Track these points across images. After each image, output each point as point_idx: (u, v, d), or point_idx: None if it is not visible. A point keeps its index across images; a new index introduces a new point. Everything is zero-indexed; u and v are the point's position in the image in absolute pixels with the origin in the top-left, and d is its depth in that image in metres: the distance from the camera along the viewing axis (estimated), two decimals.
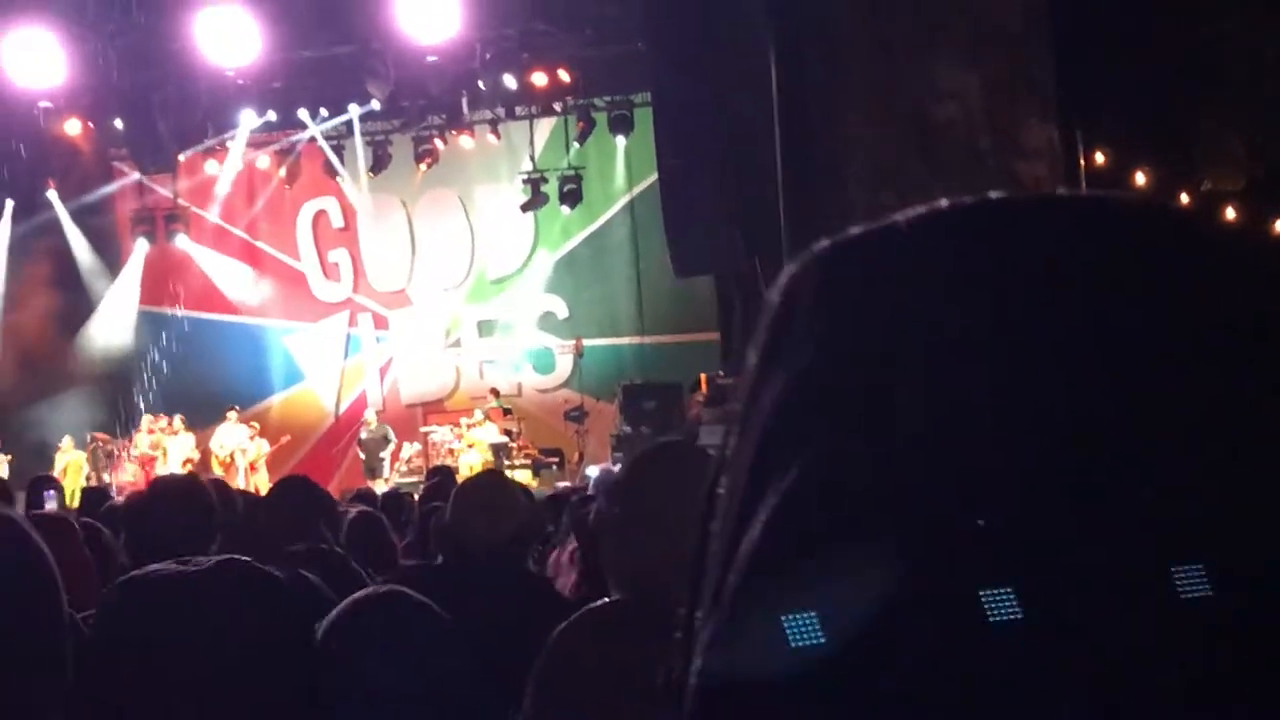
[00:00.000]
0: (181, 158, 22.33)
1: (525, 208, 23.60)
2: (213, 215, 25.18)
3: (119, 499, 10.60)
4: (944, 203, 0.89)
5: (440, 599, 3.25)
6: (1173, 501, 0.81)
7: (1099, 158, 17.73)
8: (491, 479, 6.02)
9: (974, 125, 15.41)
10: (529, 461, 20.93)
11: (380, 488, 16.98)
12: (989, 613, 0.79)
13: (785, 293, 0.91)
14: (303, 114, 22.52)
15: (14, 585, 2.78)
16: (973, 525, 0.81)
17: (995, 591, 0.79)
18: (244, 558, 2.48)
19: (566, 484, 16.76)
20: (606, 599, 3.35)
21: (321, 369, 25.58)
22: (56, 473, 19.41)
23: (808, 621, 0.82)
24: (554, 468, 21.05)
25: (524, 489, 8.78)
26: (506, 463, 20.46)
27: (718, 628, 0.87)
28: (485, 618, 4.34)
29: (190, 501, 4.49)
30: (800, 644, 0.82)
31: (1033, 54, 15.23)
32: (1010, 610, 0.79)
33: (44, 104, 19.52)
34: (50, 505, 8.57)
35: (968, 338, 0.83)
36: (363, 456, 22.41)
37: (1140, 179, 18.22)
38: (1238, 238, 0.90)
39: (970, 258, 0.86)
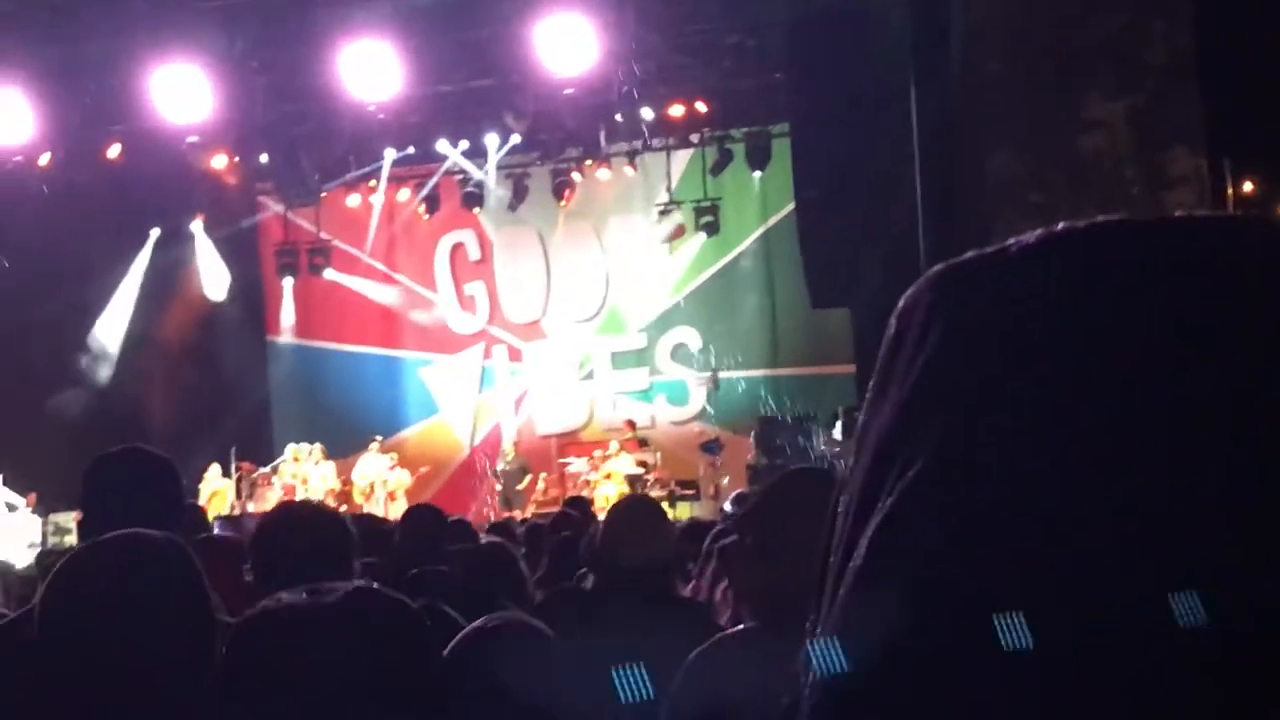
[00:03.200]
0: (324, 191, 22.66)
1: (663, 240, 23.66)
2: (353, 248, 25.58)
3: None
4: (1059, 226, 0.91)
5: (590, 621, 3.25)
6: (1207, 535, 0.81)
7: (1247, 186, 17.40)
8: (643, 503, 5.98)
9: (1119, 155, 15.20)
10: (665, 493, 20.91)
11: (517, 519, 17.05)
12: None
13: (899, 317, 0.95)
14: (442, 147, 22.80)
15: (172, 601, 2.83)
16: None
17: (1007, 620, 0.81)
18: (375, 585, 2.44)
19: (704, 516, 16.71)
20: (740, 626, 3.33)
21: (456, 401, 25.79)
22: (202, 500, 19.82)
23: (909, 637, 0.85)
24: (690, 500, 21.01)
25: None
26: (642, 494, 20.45)
27: (827, 641, 0.90)
28: (635, 641, 4.31)
29: (316, 528, 4.40)
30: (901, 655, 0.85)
31: (1178, 83, 15.01)
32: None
33: (191, 138, 19.91)
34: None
35: (1067, 361, 0.85)
36: (499, 488, 22.52)
37: None
38: None
39: (1075, 282, 0.87)
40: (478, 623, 3.23)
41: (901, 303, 0.95)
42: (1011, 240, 0.92)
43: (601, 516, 15.20)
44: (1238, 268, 0.87)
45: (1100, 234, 0.90)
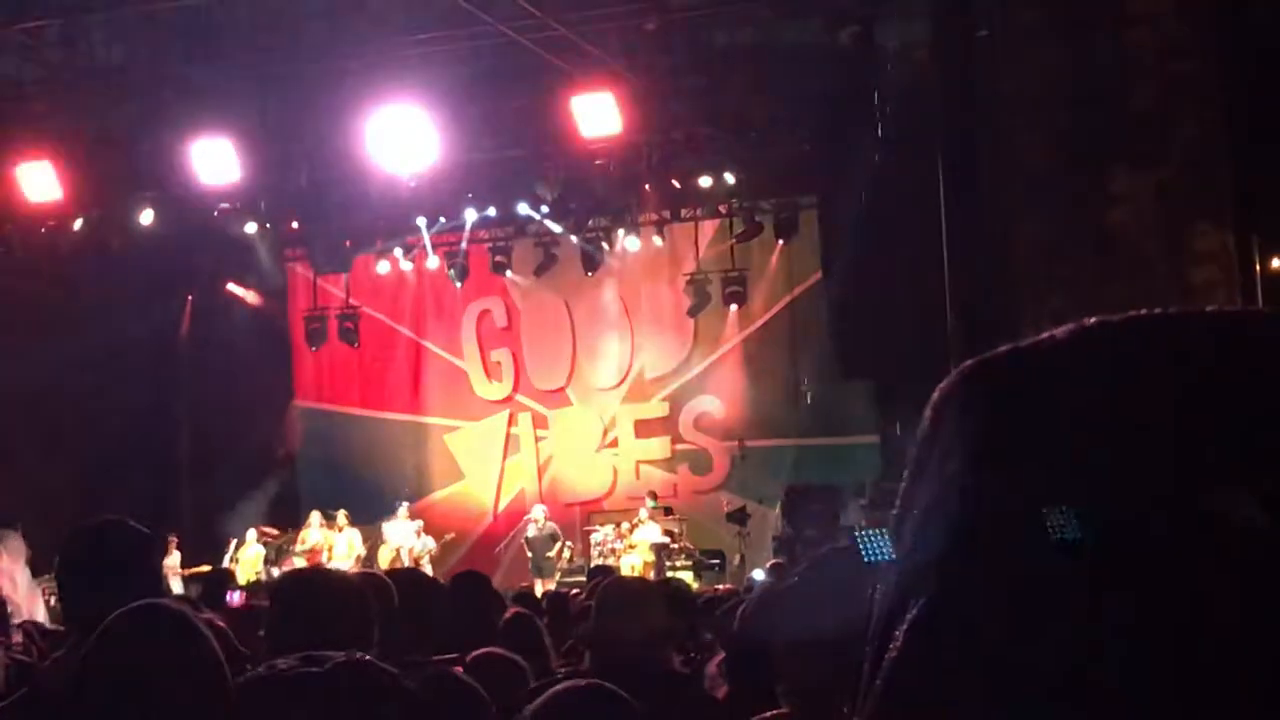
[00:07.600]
0: (354, 258, 22.81)
1: (691, 311, 23.71)
2: (381, 314, 25.70)
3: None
4: (1090, 321, 0.96)
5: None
6: None
7: (1276, 262, 17.34)
8: (634, 583, 6.05)
9: (1145, 230, 15.18)
10: (690, 563, 20.84)
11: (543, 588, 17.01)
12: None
13: (933, 409, 0.99)
14: (471, 215, 22.94)
15: (181, 675, 2.86)
16: None
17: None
18: (365, 656, 2.48)
19: (727, 586, 16.65)
20: (772, 711, 3.29)
21: (481, 468, 25.78)
22: (235, 564, 19.89)
23: None
24: (716, 569, 20.93)
25: (682, 588, 8.74)
26: (668, 564, 20.41)
27: None
28: None
29: (332, 596, 4.35)
30: None
31: (1207, 159, 15.00)
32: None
33: (223, 205, 20.08)
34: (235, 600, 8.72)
35: (1098, 449, 0.89)
36: (529, 555, 22.44)
37: None
38: None
39: (1098, 377, 0.92)
40: (560, 686, 3.27)
41: (935, 395, 0.99)
42: (1045, 334, 0.96)
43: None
44: (1251, 355, 0.93)
45: (1127, 329, 0.95)
